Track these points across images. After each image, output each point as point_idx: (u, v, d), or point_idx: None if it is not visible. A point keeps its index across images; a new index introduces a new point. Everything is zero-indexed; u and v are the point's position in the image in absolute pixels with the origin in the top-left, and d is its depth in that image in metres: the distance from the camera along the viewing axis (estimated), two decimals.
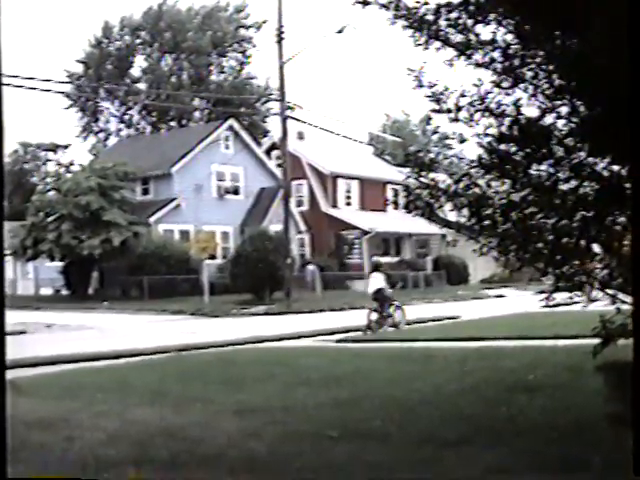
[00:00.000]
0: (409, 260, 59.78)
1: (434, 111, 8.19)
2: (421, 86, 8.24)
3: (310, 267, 50.90)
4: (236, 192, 54.83)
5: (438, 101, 8.12)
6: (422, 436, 7.88)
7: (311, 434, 8.18)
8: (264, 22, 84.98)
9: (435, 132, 8.46)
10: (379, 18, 8.20)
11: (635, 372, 4.89)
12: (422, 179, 8.06)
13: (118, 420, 9.28)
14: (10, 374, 13.54)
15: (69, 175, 52.75)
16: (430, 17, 8.09)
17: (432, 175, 8.21)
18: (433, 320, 27.05)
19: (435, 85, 8.20)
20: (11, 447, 7.45)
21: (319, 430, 8.30)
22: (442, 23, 8.07)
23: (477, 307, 34.44)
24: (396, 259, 59.79)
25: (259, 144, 61.19)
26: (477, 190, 7.74)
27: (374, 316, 23.87)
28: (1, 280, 4.48)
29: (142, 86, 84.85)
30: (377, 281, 24.36)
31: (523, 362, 12.78)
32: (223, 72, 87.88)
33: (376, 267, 26.21)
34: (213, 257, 47.87)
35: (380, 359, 15.06)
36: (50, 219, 47.60)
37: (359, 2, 8.04)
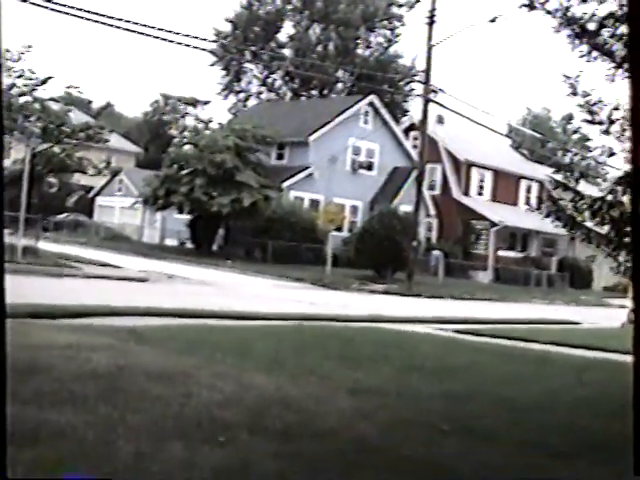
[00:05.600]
0: (534, 257, 59.13)
1: (586, 121, 8.16)
2: (575, 94, 8.21)
3: (435, 252, 50.78)
4: (370, 168, 54.89)
5: (591, 112, 8.08)
6: (532, 442, 7.83)
7: (422, 424, 8.19)
8: (417, 2, 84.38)
9: (575, 132, 8.45)
10: (535, 19, 8.19)
11: (635, 374, 4.86)
12: (568, 192, 8.05)
13: (235, 383, 9.31)
14: (133, 322, 13.94)
15: (207, 131, 53.48)
16: (592, 27, 8.04)
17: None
18: (554, 323, 26.74)
19: (589, 95, 8.16)
20: (130, 396, 7.81)
21: (430, 421, 8.30)
22: (605, 34, 8.02)
23: (599, 315, 33.88)
24: (521, 255, 59.22)
25: (398, 123, 61.07)
26: (621, 208, 7.69)
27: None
28: (1, 272, 4.60)
29: (287, 52, 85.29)
30: None
31: None
32: (370, 47, 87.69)
33: None
34: (339, 229, 48.07)
35: (496, 356, 14.96)
36: (184, 172, 48.52)
37: (525, 5, 8.04)
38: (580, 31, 8.06)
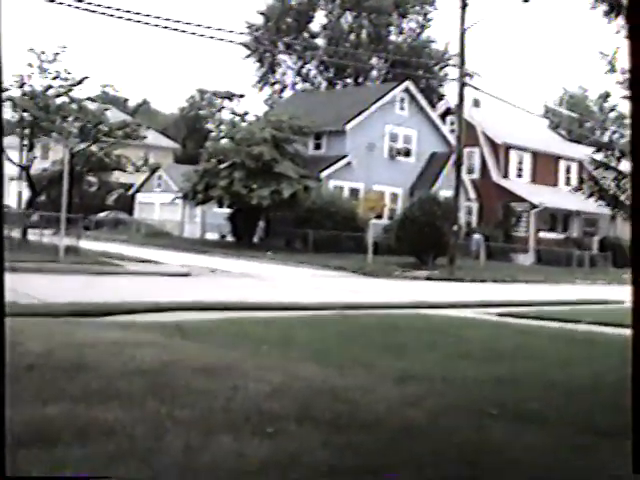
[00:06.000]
0: (576, 238, 58.75)
1: (626, 98, 8.06)
2: (613, 71, 8.13)
3: (476, 236, 50.65)
4: (408, 154, 54.76)
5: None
6: (579, 423, 7.79)
7: (470, 409, 8.15)
8: None
9: (612, 110, 8.34)
10: None
11: (635, 371, 4.80)
12: (611, 171, 7.96)
13: (281, 374, 9.27)
14: (177, 317, 13.99)
15: (243, 124, 53.57)
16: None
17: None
18: (598, 303, 26.52)
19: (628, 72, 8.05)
20: (176, 391, 7.82)
21: (478, 406, 8.26)
22: None
23: None
24: (562, 236, 58.86)
25: (434, 108, 60.89)
26: None
27: None
28: (1, 265, 4.58)
29: (320, 42, 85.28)
30: None
31: None
32: (402, 33, 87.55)
33: None
34: (379, 217, 48.02)
35: (542, 338, 14.86)
36: (222, 166, 48.66)
37: None
38: (616, 6, 7.96)
